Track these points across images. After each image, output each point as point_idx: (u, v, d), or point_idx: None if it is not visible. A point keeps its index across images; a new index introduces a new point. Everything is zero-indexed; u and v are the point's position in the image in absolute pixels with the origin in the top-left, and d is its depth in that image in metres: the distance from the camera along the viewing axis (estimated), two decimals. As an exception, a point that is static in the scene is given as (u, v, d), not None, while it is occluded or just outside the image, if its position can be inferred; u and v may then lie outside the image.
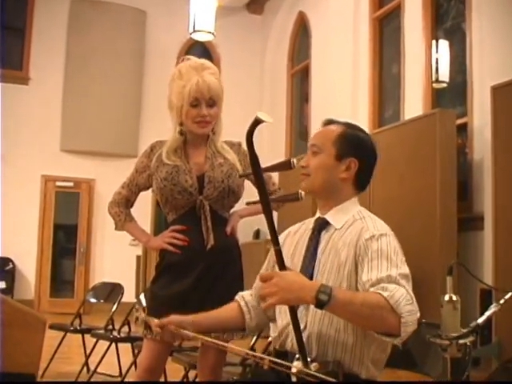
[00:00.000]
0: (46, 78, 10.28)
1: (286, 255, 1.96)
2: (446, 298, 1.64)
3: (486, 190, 5.35)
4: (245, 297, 2.09)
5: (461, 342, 1.60)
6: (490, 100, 5.09)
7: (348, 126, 1.99)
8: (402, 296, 1.65)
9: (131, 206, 2.72)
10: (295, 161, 1.69)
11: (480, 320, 1.68)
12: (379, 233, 1.82)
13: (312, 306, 1.81)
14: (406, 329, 1.64)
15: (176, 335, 1.93)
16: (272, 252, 2.03)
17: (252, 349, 3.08)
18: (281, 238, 2.06)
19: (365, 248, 1.80)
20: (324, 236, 1.92)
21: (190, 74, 2.49)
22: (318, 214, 2.00)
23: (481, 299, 4.87)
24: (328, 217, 1.94)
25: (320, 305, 1.62)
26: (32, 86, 10.24)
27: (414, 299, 1.68)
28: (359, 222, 1.88)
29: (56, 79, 10.31)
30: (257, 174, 1.68)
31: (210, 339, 1.89)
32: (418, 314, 1.67)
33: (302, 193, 1.73)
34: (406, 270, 1.76)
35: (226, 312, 2.08)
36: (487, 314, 1.71)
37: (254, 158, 1.69)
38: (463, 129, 5.97)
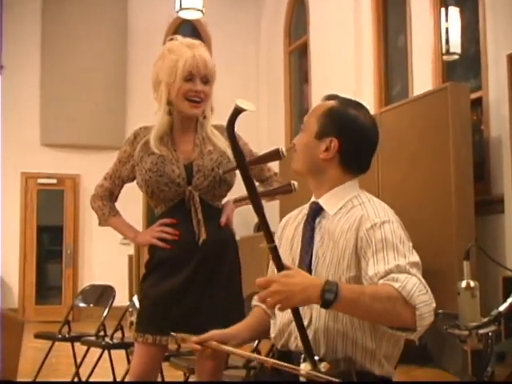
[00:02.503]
0: (20, 65, 10.25)
1: (285, 245, 1.97)
2: (463, 284, 1.63)
3: (506, 169, 5.34)
4: None
5: (481, 331, 1.59)
6: (507, 70, 5.08)
7: (342, 102, 1.96)
8: (414, 286, 1.63)
9: (115, 199, 2.71)
10: (284, 150, 1.65)
11: (502, 308, 1.67)
12: (381, 220, 1.79)
13: None
14: (421, 322, 1.63)
15: (217, 352, 1.89)
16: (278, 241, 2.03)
17: (256, 350, 3.09)
18: (280, 226, 2.06)
19: (367, 239, 1.77)
20: (319, 223, 1.90)
21: (182, 49, 2.50)
22: (312, 198, 1.98)
23: (504, 287, 4.87)
24: (321, 202, 1.92)
25: (326, 304, 1.60)
26: (6, 75, 10.20)
27: (428, 288, 1.67)
28: (358, 209, 1.85)
29: (32, 66, 10.28)
30: (242, 168, 1.65)
31: (254, 355, 1.85)
32: (434, 305, 1.66)
33: (295, 183, 1.71)
34: (415, 258, 1.74)
35: (252, 319, 2.06)
36: (510, 300, 1.70)
37: (237, 152, 1.66)
38: (478, 104, 5.95)
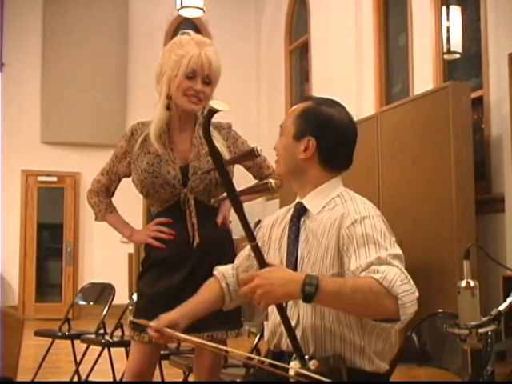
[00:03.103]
0: (21, 62, 10.24)
1: (274, 245, 1.99)
2: (463, 283, 1.62)
3: (506, 168, 5.34)
4: (226, 277, 2.11)
5: (481, 331, 1.59)
6: (508, 69, 5.07)
7: (316, 101, 1.98)
8: (395, 276, 1.64)
9: (112, 194, 2.70)
10: (259, 148, 1.68)
11: (502, 307, 1.66)
12: (361, 216, 1.80)
13: (301, 300, 1.82)
14: (404, 311, 1.63)
15: (173, 338, 1.95)
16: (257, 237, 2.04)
17: (255, 349, 3.10)
18: (267, 225, 2.07)
19: (348, 236, 1.78)
20: (303, 223, 1.92)
21: (190, 45, 2.49)
22: (297, 199, 1.99)
23: (504, 287, 4.87)
24: (305, 202, 1.94)
25: (307, 298, 1.61)
26: (7, 72, 10.20)
27: (410, 278, 1.67)
28: (340, 207, 1.87)
29: (33, 64, 10.27)
30: (219, 168, 1.67)
31: (206, 342, 1.90)
32: (417, 294, 1.66)
33: (272, 182, 1.71)
34: (397, 250, 1.75)
35: (208, 295, 2.09)
36: (510, 300, 1.70)
37: (214, 152, 1.67)
38: (479, 103, 5.94)
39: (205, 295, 2.09)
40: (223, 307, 2.11)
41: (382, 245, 1.74)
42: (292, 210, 1.98)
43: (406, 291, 1.63)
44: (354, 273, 1.72)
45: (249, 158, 1.73)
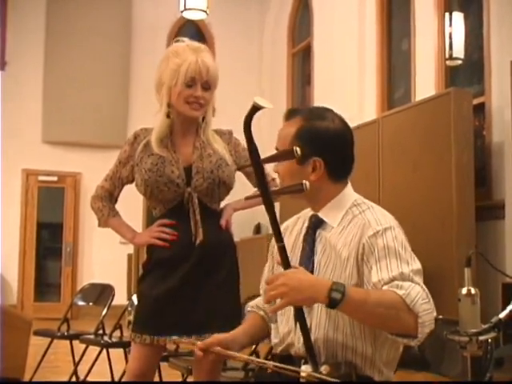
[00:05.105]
0: (24, 61, 10.27)
1: None
2: (464, 291, 1.63)
3: (507, 175, 5.35)
4: (260, 306, 2.09)
5: (481, 338, 1.60)
6: (510, 76, 5.07)
7: (306, 117, 1.92)
8: (418, 294, 1.66)
9: (115, 200, 2.72)
10: (298, 149, 1.64)
11: (502, 314, 1.67)
12: (383, 227, 1.80)
13: (315, 310, 1.82)
14: (423, 329, 1.65)
15: (221, 356, 1.87)
16: (274, 250, 2.02)
17: (255, 352, 3.09)
18: None
19: (369, 247, 1.78)
20: (320, 235, 1.90)
21: (186, 53, 2.51)
22: (311, 211, 1.97)
23: (503, 294, 4.87)
24: (321, 215, 1.92)
25: (333, 304, 1.61)
26: (9, 71, 10.22)
27: (430, 297, 1.69)
28: (359, 218, 1.85)
29: (35, 63, 10.29)
30: (256, 165, 1.66)
31: (256, 359, 1.87)
32: (435, 313, 1.68)
33: (307, 183, 1.67)
34: (417, 265, 1.76)
35: (253, 322, 2.07)
36: (510, 308, 1.70)
37: (252, 148, 1.67)
38: (480, 109, 5.95)
39: (246, 325, 2.06)
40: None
41: (404, 258, 1.74)
42: (306, 222, 1.96)
43: (427, 310, 1.65)
44: (376, 285, 1.72)
45: (287, 157, 1.70)
